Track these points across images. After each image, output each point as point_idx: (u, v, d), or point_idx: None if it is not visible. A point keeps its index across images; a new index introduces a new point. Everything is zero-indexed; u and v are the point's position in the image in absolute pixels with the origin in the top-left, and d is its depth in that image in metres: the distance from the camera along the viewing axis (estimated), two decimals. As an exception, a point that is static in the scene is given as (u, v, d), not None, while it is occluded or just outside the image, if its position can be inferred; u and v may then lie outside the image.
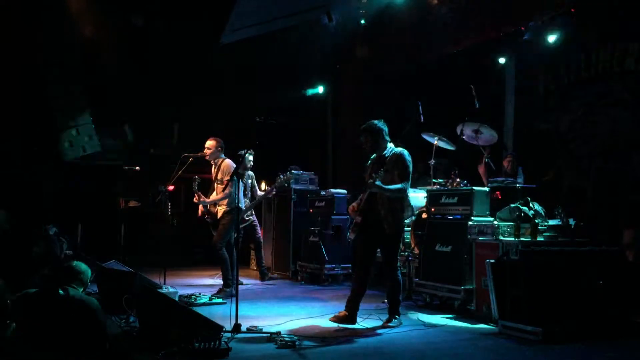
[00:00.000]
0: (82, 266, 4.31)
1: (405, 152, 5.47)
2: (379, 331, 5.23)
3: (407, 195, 5.50)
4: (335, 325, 5.28)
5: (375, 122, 5.54)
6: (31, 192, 8.89)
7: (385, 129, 5.53)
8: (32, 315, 3.79)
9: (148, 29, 9.63)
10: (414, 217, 5.76)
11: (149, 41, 9.78)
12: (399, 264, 5.64)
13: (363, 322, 5.50)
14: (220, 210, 7.23)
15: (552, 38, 7.76)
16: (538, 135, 8.35)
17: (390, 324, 5.41)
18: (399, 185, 5.33)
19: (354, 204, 5.59)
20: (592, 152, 7.57)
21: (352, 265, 5.77)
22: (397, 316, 5.51)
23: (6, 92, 8.87)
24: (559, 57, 8.10)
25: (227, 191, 6.98)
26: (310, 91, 11.29)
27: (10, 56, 8.77)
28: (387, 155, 5.48)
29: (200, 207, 7.51)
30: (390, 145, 5.54)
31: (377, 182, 5.22)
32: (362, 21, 10.11)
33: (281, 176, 8.28)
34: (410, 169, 5.45)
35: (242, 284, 8.34)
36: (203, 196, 7.29)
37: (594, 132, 7.62)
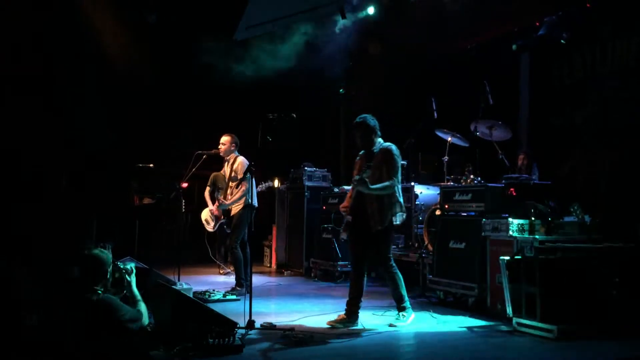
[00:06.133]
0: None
1: (394, 147, 5.34)
2: (390, 328, 5.21)
3: (395, 192, 5.28)
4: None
5: (368, 117, 5.42)
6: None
7: (378, 125, 5.41)
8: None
9: (161, 26, 9.68)
10: (404, 215, 5.36)
11: (160, 37, 9.83)
12: (392, 261, 5.38)
13: (379, 319, 5.51)
14: (235, 208, 7.25)
15: (567, 32, 7.70)
16: (553, 131, 8.28)
17: (394, 323, 5.28)
18: (386, 183, 5.19)
19: (345, 202, 5.52)
20: (608, 147, 7.49)
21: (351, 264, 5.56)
22: (403, 313, 5.35)
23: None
24: (574, 52, 8.02)
25: (243, 188, 7.00)
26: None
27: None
28: (375, 151, 5.37)
29: (219, 211, 7.50)
30: (380, 140, 5.43)
31: (363, 180, 5.13)
32: (370, 12, 10.05)
33: (263, 184, 8.41)
34: (399, 164, 5.32)
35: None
36: (223, 200, 7.30)
37: (609, 126, 7.54)
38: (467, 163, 6.84)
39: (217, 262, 8.96)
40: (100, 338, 3.73)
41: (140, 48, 9.79)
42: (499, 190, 6.20)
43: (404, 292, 5.38)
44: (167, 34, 9.83)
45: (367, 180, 5.14)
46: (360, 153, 5.57)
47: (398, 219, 5.31)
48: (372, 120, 5.41)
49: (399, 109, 10.19)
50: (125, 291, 4.11)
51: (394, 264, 5.39)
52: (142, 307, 4.04)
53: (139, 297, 4.09)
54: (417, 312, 5.88)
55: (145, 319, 4.00)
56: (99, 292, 3.85)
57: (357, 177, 5.21)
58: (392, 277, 5.35)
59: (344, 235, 5.39)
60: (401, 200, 5.34)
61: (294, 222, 9.28)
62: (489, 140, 7.28)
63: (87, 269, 3.90)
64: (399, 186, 5.36)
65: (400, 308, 5.37)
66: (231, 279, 7.89)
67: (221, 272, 8.89)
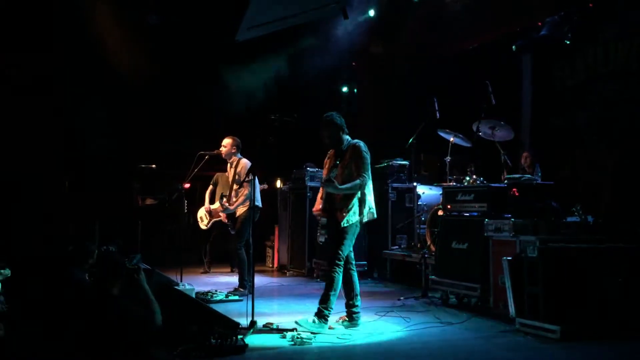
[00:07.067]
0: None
1: (362, 143, 5.27)
2: (393, 329, 5.19)
3: (364, 191, 5.20)
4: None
5: (335, 114, 5.36)
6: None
7: (344, 122, 5.34)
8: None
9: (164, 27, 9.69)
10: (374, 215, 5.30)
11: (165, 39, 9.85)
12: (341, 262, 5.15)
13: (381, 319, 5.50)
14: (238, 210, 7.25)
15: (569, 33, 7.69)
16: (555, 131, 8.27)
17: (300, 322, 5.01)
18: (355, 182, 5.12)
19: (316, 205, 5.48)
20: (610, 148, 7.48)
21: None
22: (315, 319, 5.05)
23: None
24: (576, 52, 8.02)
25: (245, 192, 6.99)
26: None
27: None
28: (344, 149, 5.31)
29: (223, 215, 7.52)
30: (347, 137, 5.36)
31: (331, 181, 5.10)
32: (371, 12, 10.05)
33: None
34: (368, 160, 5.23)
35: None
36: (227, 204, 7.30)
37: (611, 127, 7.54)
38: (470, 163, 6.82)
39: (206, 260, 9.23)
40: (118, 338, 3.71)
41: (141, 48, 9.79)
42: (501, 191, 6.19)
43: (333, 300, 5.11)
44: (168, 34, 9.85)
45: (334, 180, 5.12)
46: (329, 152, 5.52)
47: (365, 219, 5.25)
48: (339, 118, 5.34)
49: (400, 109, 10.20)
50: (135, 291, 4.06)
51: (340, 268, 5.15)
52: (156, 306, 3.97)
53: (151, 295, 4.01)
54: (420, 313, 5.88)
55: (159, 319, 3.94)
56: (113, 293, 3.82)
57: (325, 178, 5.15)
58: (331, 278, 5.13)
59: (321, 238, 5.36)
60: (371, 198, 5.27)
61: (296, 222, 9.27)
62: (491, 140, 7.27)
63: (103, 269, 3.88)
64: (370, 183, 5.28)
65: (318, 312, 5.09)
66: (217, 279, 7.93)
67: (202, 270, 9.11)
